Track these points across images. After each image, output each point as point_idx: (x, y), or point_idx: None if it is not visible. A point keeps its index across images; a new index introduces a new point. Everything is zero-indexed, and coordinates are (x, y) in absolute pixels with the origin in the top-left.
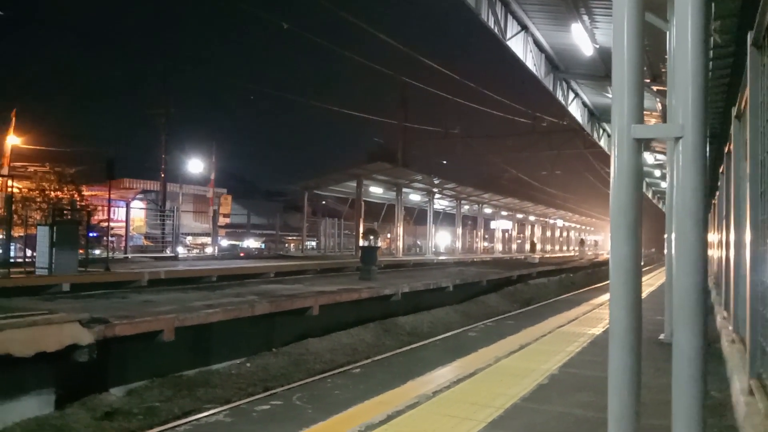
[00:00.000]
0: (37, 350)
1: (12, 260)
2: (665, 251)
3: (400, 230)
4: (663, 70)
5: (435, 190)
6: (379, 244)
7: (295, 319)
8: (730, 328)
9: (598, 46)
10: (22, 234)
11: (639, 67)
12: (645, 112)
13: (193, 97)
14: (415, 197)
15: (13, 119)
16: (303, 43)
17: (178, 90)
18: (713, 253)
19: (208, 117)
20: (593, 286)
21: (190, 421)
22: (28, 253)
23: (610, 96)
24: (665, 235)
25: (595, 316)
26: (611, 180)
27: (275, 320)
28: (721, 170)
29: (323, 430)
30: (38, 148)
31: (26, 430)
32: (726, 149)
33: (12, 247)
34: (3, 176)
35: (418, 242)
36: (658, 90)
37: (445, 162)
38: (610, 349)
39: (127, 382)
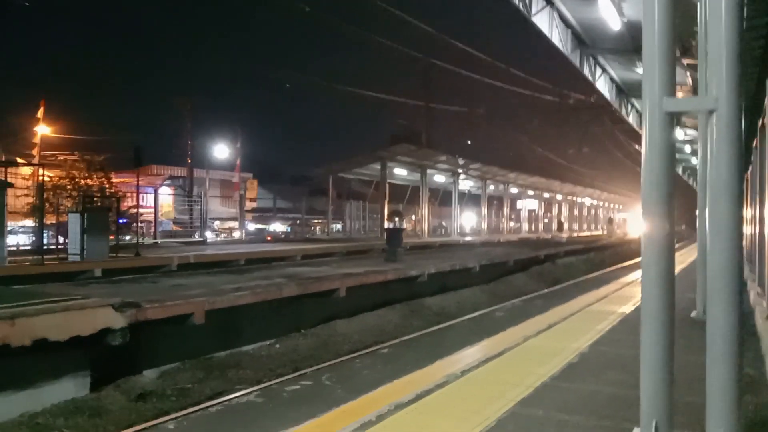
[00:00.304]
0: (72, 334)
1: (45, 247)
2: (696, 228)
3: (425, 211)
4: (693, 43)
5: (460, 170)
6: (404, 225)
7: (322, 301)
8: (765, 304)
9: (626, 20)
10: (54, 221)
11: (670, 38)
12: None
13: (218, 83)
14: (439, 178)
15: (42, 108)
16: (326, 25)
17: (202, 76)
18: (746, 228)
19: (233, 103)
20: (622, 265)
21: (221, 402)
22: (61, 240)
23: (638, 71)
24: (696, 212)
25: (625, 294)
26: (642, 155)
27: (303, 302)
28: (754, 144)
29: (353, 409)
30: (67, 136)
31: (64, 412)
32: (760, 123)
33: (45, 235)
34: (34, 165)
35: (444, 223)
36: (688, 64)
37: (469, 142)
38: (642, 325)
39: (159, 364)
